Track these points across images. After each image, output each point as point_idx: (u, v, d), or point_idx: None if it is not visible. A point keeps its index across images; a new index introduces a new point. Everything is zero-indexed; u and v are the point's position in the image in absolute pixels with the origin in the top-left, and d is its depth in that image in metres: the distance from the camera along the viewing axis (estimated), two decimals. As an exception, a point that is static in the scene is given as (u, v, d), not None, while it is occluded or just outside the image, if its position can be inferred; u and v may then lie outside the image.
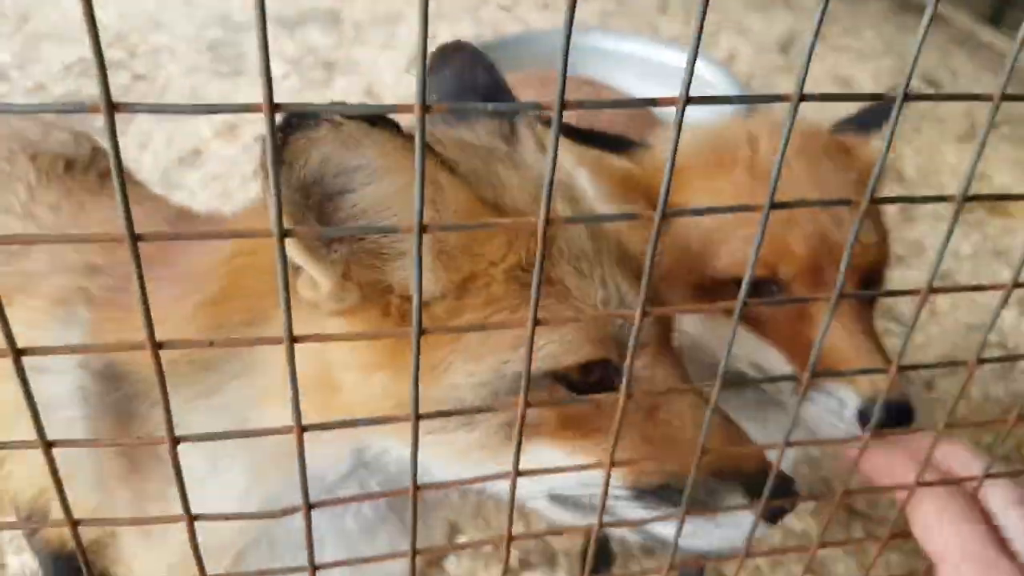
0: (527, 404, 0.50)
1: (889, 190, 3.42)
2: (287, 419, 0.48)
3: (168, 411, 0.46)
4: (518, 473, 0.54)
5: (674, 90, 0.43)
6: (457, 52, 0.97)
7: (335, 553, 0.94)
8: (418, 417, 0.49)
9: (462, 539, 2.00)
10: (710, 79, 3.56)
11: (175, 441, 0.47)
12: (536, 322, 0.46)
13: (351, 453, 0.83)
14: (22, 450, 1.05)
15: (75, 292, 1.07)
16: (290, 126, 0.55)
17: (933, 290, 0.58)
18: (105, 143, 0.45)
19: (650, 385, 0.76)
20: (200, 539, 0.88)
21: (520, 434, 0.52)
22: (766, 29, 4.93)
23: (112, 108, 0.36)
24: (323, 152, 0.58)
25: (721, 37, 4.71)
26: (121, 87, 3.93)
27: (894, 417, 0.91)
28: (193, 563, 0.69)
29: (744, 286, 0.50)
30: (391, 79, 4.17)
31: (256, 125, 3.55)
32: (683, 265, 1.07)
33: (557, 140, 0.39)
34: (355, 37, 4.64)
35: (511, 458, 0.55)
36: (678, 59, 3.69)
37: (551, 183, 0.40)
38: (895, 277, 2.28)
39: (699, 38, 0.39)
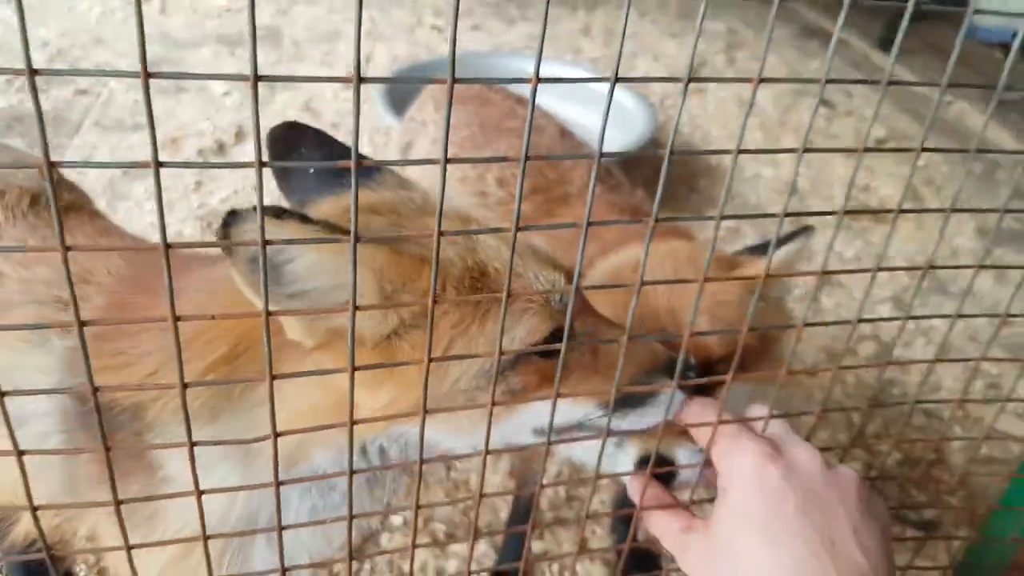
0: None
1: (783, 201, 3.77)
2: (291, 440, 0.68)
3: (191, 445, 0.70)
4: (488, 452, 0.78)
5: (593, 109, 0.67)
6: (294, 131, 1.12)
7: (314, 532, 1.15)
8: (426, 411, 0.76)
9: (395, 518, 2.23)
10: (625, 103, 3.90)
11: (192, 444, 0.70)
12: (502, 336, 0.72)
13: (357, 448, 1.02)
14: None
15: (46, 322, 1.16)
16: (228, 224, 0.70)
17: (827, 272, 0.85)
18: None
19: (590, 337, 0.99)
20: (188, 533, 1.06)
21: (491, 420, 0.78)
22: (679, 54, 5.32)
23: (148, 76, 0.50)
24: (255, 236, 0.70)
25: (638, 61, 5.08)
26: (64, 101, 4.08)
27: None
28: (177, 566, 0.88)
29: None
30: (330, 95, 4.40)
31: (197, 139, 3.75)
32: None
33: (444, 177, 0.65)
34: (295, 54, 4.86)
35: (510, 418, 0.79)
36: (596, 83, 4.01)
37: (440, 211, 0.66)
38: (794, 284, 2.60)
39: (619, 61, 0.61)
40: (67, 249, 0.55)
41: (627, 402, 0.98)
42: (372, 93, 3.62)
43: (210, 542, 1.05)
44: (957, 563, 1.51)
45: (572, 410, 0.92)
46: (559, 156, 2.38)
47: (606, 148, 0.66)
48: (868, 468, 2.66)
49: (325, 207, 1.03)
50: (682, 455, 1.13)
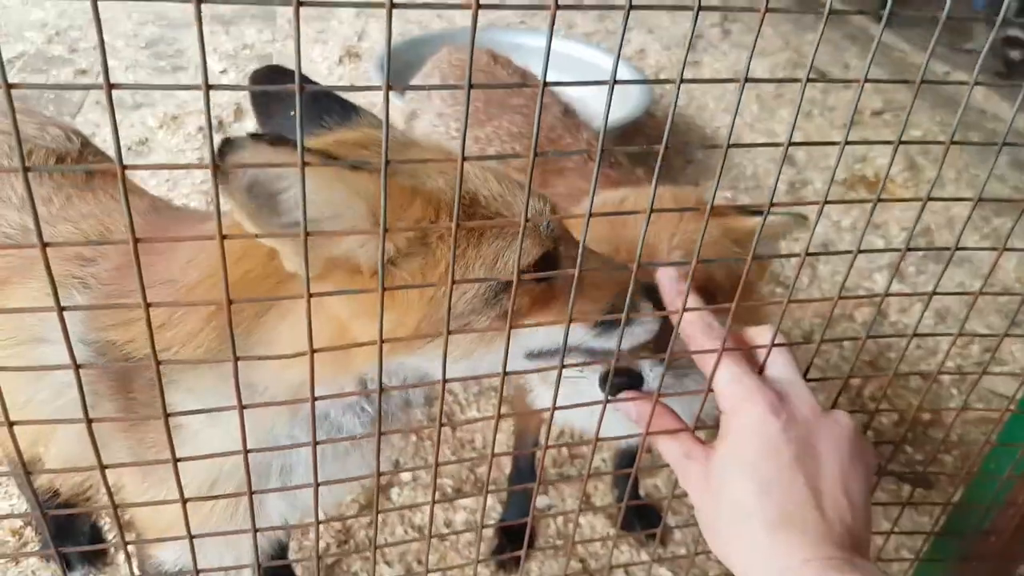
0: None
1: (781, 171, 3.80)
2: (295, 381, 0.71)
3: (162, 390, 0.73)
4: (499, 416, 0.82)
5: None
6: (277, 74, 1.17)
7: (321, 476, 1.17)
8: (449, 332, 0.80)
9: (405, 474, 2.28)
10: (621, 74, 3.92)
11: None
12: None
13: (355, 382, 1.04)
14: (20, 406, 1.21)
15: (70, 279, 1.21)
16: (223, 151, 0.69)
17: (810, 254, 0.89)
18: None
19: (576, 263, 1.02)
20: (202, 479, 1.10)
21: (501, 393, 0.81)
22: (673, 27, 5.33)
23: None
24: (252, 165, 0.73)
25: (632, 35, 5.09)
26: (65, 81, 4.10)
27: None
28: (191, 504, 0.90)
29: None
30: (325, 70, 4.41)
31: (198, 117, 3.77)
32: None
33: (462, 171, 0.68)
34: (289, 32, 4.87)
35: (501, 344, 0.83)
36: (590, 54, 4.04)
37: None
38: (782, 246, 2.63)
39: (622, 37, 0.67)
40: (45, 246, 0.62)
41: (613, 323, 1.03)
42: (369, 70, 3.64)
43: (224, 492, 1.10)
44: (943, 523, 1.55)
45: (558, 329, 0.93)
46: (565, 152, 2.40)
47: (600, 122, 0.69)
48: (864, 430, 2.70)
49: (309, 144, 1.04)
50: (647, 366, 1.17)
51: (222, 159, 0.70)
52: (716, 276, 1.33)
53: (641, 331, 1.04)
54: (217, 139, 0.68)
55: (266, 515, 1.23)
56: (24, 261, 1.23)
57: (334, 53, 4.66)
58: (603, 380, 1.11)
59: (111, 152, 1.64)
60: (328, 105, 1.10)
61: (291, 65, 0.63)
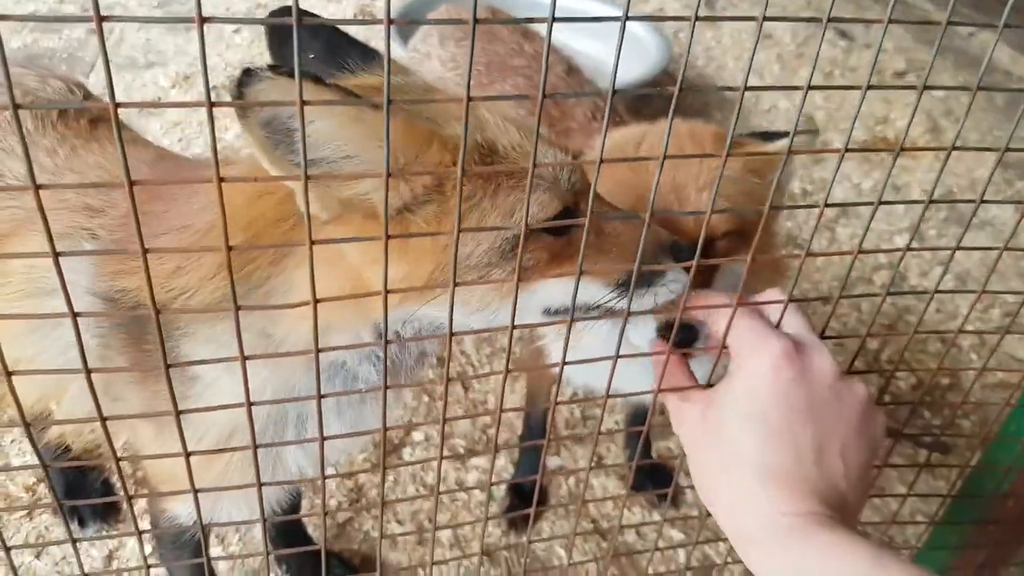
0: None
1: (800, 136, 3.74)
2: (308, 329, 0.69)
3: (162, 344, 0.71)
4: (508, 371, 0.79)
5: (605, 42, 0.67)
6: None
7: (337, 424, 1.16)
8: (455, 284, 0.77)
9: (416, 433, 2.28)
10: (639, 33, 3.85)
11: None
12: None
13: (372, 330, 1.02)
14: (28, 359, 1.22)
15: (78, 229, 1.21)
16: (242, 83, 0.69)
17: (828, 205, 0.86)
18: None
19: (598, 218, 0.99)
20: (220, 430, 1.09)
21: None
22: (694, -15, 5.21)
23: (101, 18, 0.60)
24: (271, 97, 0.71)
25: (652, -8, 5.00)
26: (78, 41, 4.08)
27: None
28: (204, 457, 0.88)
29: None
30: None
31: (211, 75, 3.73)
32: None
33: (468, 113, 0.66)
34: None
35: (520, 297, 0.80)
36: (607, 11, 3.96)
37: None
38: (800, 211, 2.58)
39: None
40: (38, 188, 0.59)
41: (637, 283, 0.97)
42: (382, 29, 3.58)
43: (242, 443, 1.07)
44: (960, 487, 1.53)
45: (582, 290, 0.91)
46: (573, 94, 2.36)
47: (620, 80, 0.66)
48: (881, 393, 2.67)
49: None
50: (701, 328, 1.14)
51: (240, 92, 0.69)
52: (746, 217, 1.30)
53: (665, 291, 1.00)
54: (225, 100, 0.67)
55: (284, 465, 1.23)
56: (30, 213, 1.23)
57: (348, 11, 4.61)
58: (661, 331, 1.10)
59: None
60: (348, 51, 1.08)
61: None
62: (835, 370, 0.90)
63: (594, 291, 0.99)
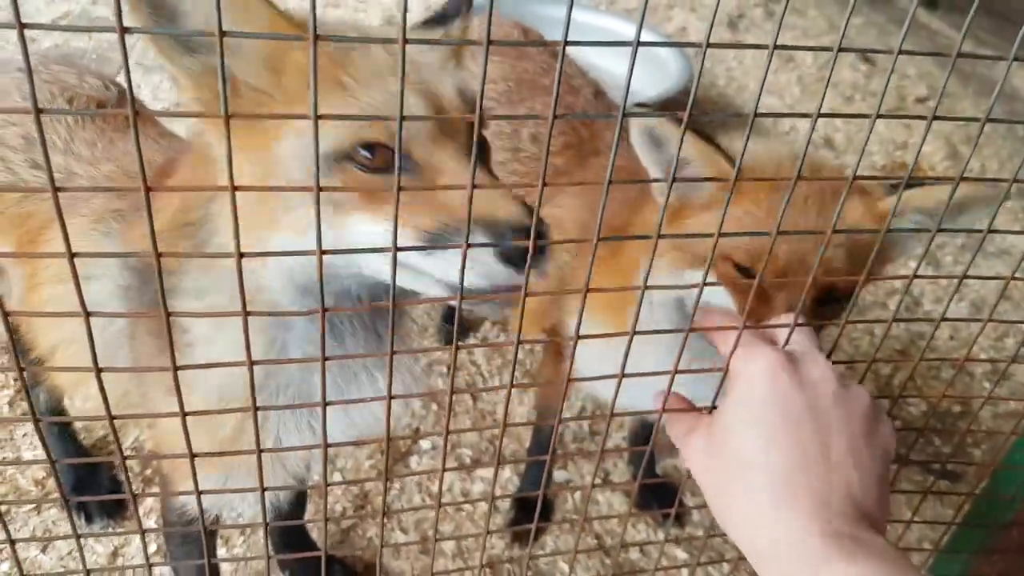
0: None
1: (821, 155, 3.74)
2: (298, 280, 0.69)
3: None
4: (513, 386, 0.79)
5: (626, 60, 0.66)
6: None
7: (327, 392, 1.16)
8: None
9: (424, 442, 2.29)
10: (660, 53, 3.87)
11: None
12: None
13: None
14: (68, 345, 1.27)
15: (108, 212, 1.31)
16: None
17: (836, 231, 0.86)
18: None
19: (431, 165, 0.92)
20: (219, 390, 1.11)
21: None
22: (715, 2, 5.23)
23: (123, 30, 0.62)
24: None
25: (674, 12, 5.01)
26: (108, 42, 4.15)
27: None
28: (213, 416, 0.87)
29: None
30: None
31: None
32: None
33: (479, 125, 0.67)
34: None
35: (360, 217, 0.83)
36: (630, 30, 3.98)
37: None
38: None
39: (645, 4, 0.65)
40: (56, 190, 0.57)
41: (442, 241, 0.88)
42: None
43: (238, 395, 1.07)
44: (965, 514, 1.52)
45: (382, 232, 0.87)
46: (584, 116, 2.38)
47: (642, 97, 0.67)
48: (892, 419, 2.65)
49: None
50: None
51: None
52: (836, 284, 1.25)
53: (480, 270, 0.86)
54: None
55: (280, 434, 1.22)
56: (68, 200, 1.29)
57: (375, 22, 4.66)
58: None
59: (148, 103, 1.68)
60: None
61: (327, 24, 0.60)
62: (835, 377, 0.89)
63: (401, 237, 0.80)
